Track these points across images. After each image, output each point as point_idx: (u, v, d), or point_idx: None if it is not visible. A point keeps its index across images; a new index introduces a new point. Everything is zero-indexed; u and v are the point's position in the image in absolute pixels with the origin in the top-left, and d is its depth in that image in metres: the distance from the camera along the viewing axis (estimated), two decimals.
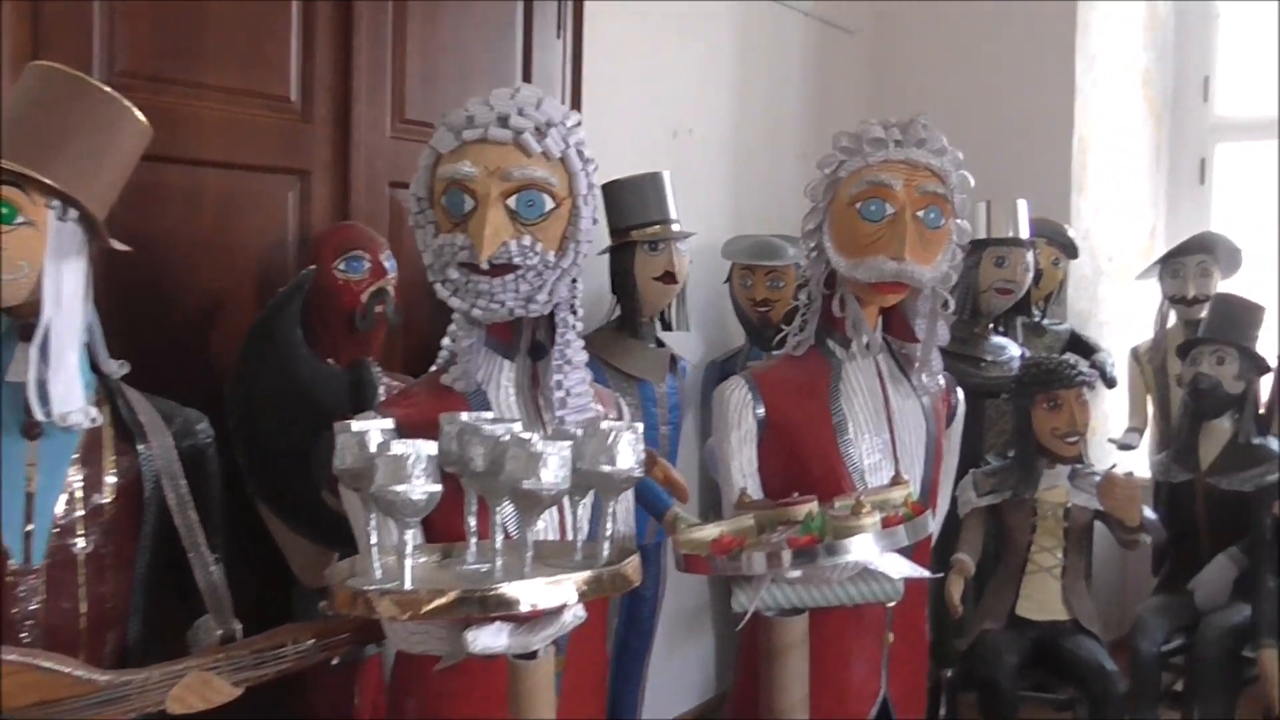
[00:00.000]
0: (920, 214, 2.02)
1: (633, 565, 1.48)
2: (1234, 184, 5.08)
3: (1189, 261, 4.34)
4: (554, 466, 1.38)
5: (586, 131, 3.42)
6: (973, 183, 2.10)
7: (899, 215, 2.01)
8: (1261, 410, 4.22)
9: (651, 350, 3.32)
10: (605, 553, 1.50)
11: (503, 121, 1.64)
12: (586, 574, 1.42)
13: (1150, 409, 4.55)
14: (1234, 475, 3.68)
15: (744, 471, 2.08)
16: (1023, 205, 4.01)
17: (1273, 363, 4.25)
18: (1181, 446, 3.84)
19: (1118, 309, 4.97)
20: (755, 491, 2.07)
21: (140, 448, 1.77)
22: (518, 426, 1.47)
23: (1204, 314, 4.05)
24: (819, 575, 1.81)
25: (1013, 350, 4.06)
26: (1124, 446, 4.47)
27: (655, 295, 3.27)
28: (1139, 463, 4.75)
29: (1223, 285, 4.35)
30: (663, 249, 3.24)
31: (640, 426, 1.51)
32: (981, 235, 4.00)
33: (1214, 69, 5.06)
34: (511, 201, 1.65)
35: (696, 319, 3.92)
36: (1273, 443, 3.79)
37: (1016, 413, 3.50)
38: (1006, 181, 4.40)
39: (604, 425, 1.47)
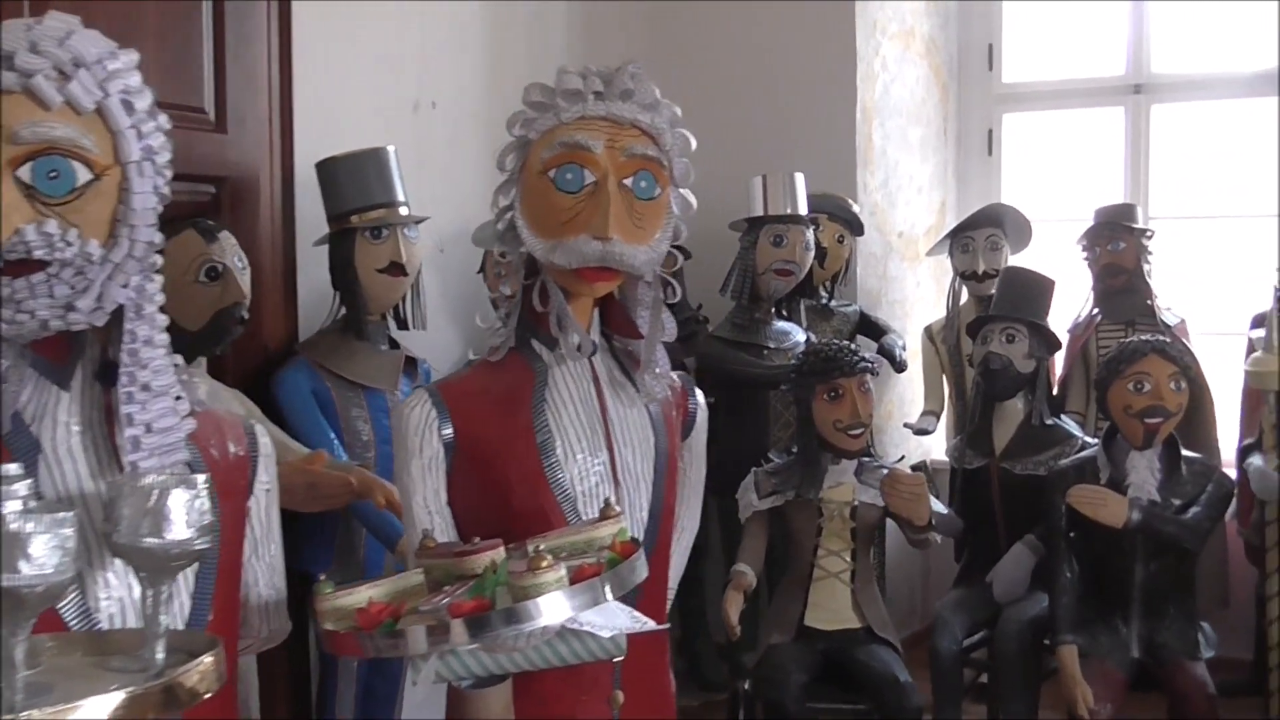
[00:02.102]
0: (628, 182, 1.64)
1: (201, 670, 1.07)
2: (1022, 154, 4.93)
3: (978, 236, 4.15)
4: (42, 550, 0.95)
5: (304, 103, 3.04)
6: (693, 143, 1.74)
7: (601, 184, 1.63)
8: (1055, 389, 4.09)
9: (382, 353, 2.90)
10: (159, 656, 1.07)
11: (8, 62, 1.18)
12: (120, 695, 1.00)
13: (947, 390, 4.35)
14: (1027, 459, 3.49)
15: (429, 508, 1.67)
16: (800, 179, 3.73)
17: (1065, 339, 4.13)
18: (975, 430, 3.64)
19: (909, 287, 4.75)
20: (446, 533, 1.67)
21: None
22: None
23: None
24: (506, 643, 1.43)
25: (798, 335, 3.78)
26: (920, 431, 4.25)
27: (382, 289, 2.84)
28: (938, 447, 4.57)
29: (1014, 259, 4.17)
30: (387, 236, 2.81)
31: (201, 479, 1.09)
32: (758, 213, 3.71)
33: (998, 37, 4.90)
34: (25, 172, 1.18)
35: (451, 314, 3.51)
36: (1067, 423, 3.60)
37: (797, 405, 3.21)
38: (787, 155, 4.13)
39: (147, 481, 1.05)
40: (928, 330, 4.39)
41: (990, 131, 4.92)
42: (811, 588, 3.16)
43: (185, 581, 1.31)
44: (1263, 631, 3.43)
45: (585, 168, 1.63)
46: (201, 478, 1.11)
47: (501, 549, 1.46)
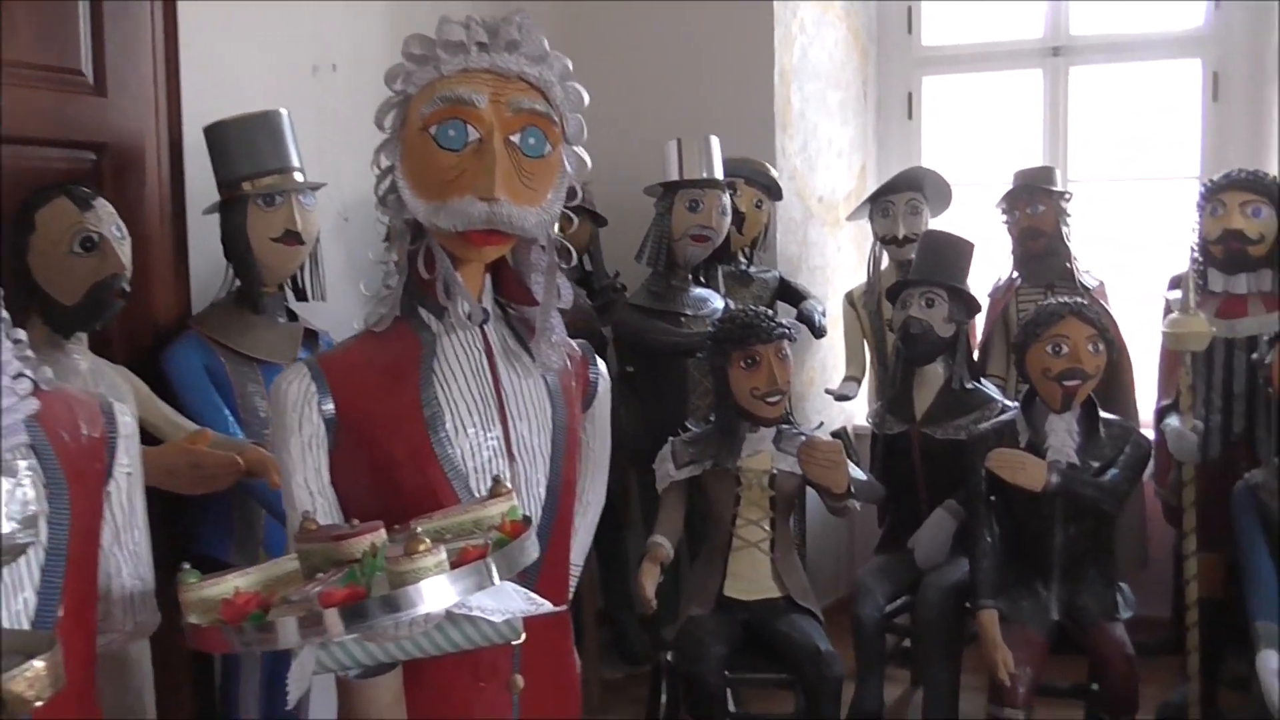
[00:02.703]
0: (515, 138, 1.55)
1: (30, 676, 0.96)
2: (942, 118, 4.89)
3: (898, 200, 4.10)
4: None
5: (192, 65, 2.88)
6: (586, 98, 1.64)
7: (486, 141, 1.53)
8: (975, 353, 4.06)
9: (279, 326, 2.77)
10: None
11: None
12: None
13: (868, 356, 4.31)
14: (948, 423, 3.46)
15: (310, 488, 1.57)
16: (715, 143, 3.65)
17: (985, 302, 4.10)
18: (895, 395, 3.60)
19: (830, 252, 4.70)
20: (329, 515, 1.57)
21: None
22: None
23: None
24: (387, 632, 1.34)
25: (716, 302, 3.71)
26: (841, 397, 4.21)
27: (277, 259, 2.71)
28: (860, 413, 4.53)
29: (934, 223, 4.13)
30: (281, 203, 2.68)
31: (23, 465, 0.99)
32: (673, 177, 3.62)
33: None
34: None
35: (357, 285, 3.37)
36: (987, 387, 3.58)
37: (713, 374, 3.14)
38: (704, 119, 4.04)
39: None
40: (848, 296, 4.34)
41: (910, 95, 4.86)
42: (730, 558, 3.11)
43: (29, 575, 1.20)
44: (1181, 590, 3.44)
45: (469, 123, 1.53)
46: (24, 464, 1.00)
47: (382, 532, 1.36)
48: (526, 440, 1.66)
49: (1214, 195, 3.41)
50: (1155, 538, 3.91)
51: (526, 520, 1.42)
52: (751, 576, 3.10)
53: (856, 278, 4.55)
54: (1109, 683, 3.02)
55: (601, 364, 1.87)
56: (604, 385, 1.87)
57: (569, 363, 1.76)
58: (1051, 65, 4.63)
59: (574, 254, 1.71)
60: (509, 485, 1.48)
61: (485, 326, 1.67)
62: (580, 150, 1.67)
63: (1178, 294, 3.35)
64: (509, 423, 1.65)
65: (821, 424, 3.55)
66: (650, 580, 2.93)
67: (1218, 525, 3.22)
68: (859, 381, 4.28)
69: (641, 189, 3.81)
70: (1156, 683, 3.79)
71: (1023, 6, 4.68)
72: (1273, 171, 3.50)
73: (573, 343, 1.79)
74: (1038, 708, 3.02)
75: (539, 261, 1.67)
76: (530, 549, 1.37)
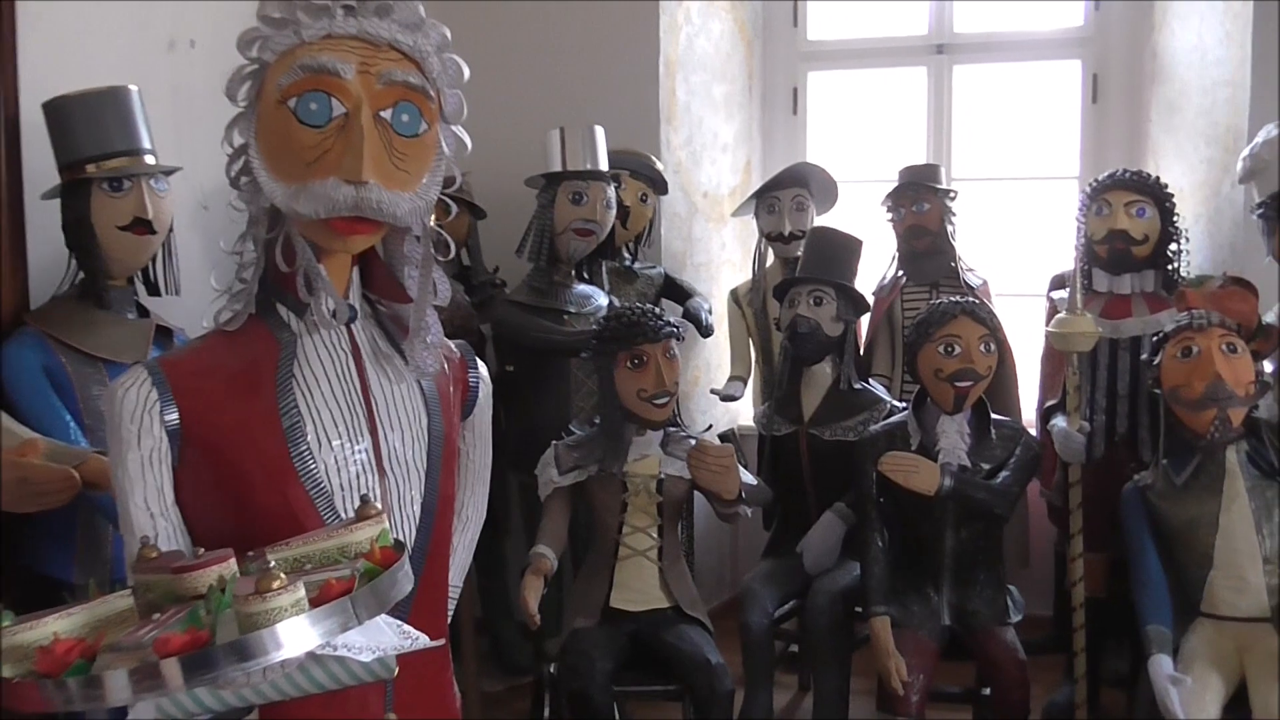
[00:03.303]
0: (385, 114, 1.38)
1: None
2: (828, 113, 4.83)
3: (784, 196, 4.03)
4: None
5: (32, 36, 2.62)
6: (466, 71, 1.49)
7: (352, 117, 1.36)
8: (862, 352, 4.01)
9: (128, 323, 2.54)
10: None
11: None
12: None
13: (753, 355, 4.22)
14: (836, 424, 3.39)
15: (150, 509, 1.38)
16: (600, 133, 3.51)
17: (872, 300, 4.05)
18: (782, 395, 3.51)
19: (715, 249, 4.60)
20: (172, 540, 1.38)
21: None
22: None
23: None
24: (237, 681, 1.17)
25: (600, 299, 3.58)
26: (727, 397, 4.11)
27: (124, 250, 2.48)
28: (746, 413, 4.45)
29: (820, 220, 4.07)
30: (129, 189, 2.46)
31: None
32: (556, 168, 3.47)
33: None
34: None
35: (219, 279, 3.15)
36: (875, 387, 3.52)
37: (598, 374, 3.00)
38: (588, 109, 3.90)
39: None
40: (733, 293, 4.25)
41: (795, 90, 4.80)
42: (617, 567, 2.98)
43: None
44: (1063, 590, 3.43)
45: (333, 96, 1.36)
46: None
47: (232, 562, 1.19)
48: (399, 453, 1.50)
49: (1099, 195, 3.40)
50: (1037, 537, 3.90)
51: (399, 546, 1.26)
52: (639, 586, 2.97)
53: (741, 275, 4.47)
54: (1000, 688, 2.97)
55: (482, 367, 1.71)
56: (485, 390, 1.71)
57: (446, 366, 1.60)
58: (936, 63, 4.61)
59: (452, 246, 1.55)
60: (379, 505, 1.32)
61: (352, 326, 1.50)
62: (459, 130, 1.51)
63: (1062, 294, 3.33)
64: (379, 434, 1.49)
65: (710, 426, 3.46)
66: (534, 594, 2.78)
67: (1100, 525, 3.22)
68: (744, 381, 4.19)
69: (522, 180, 3.65)
70: (1040, 682, 3.78)
71: (908, 4, 4.65)
72: (1151, 172, 3.51)
73: (450, 344, 1.63)
74: (928, 712, 2.96)
75: (413, 254, 1.50)
76: (403, 580, 1.21)
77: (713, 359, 4.52)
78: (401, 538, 1.48)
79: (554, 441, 3.06)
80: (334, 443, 1.44)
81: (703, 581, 4.45)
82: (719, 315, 4.36)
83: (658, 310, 2.98)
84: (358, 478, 1.45)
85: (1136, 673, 2.93)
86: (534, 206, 3.53)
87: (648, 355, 2.89)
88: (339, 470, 1.44)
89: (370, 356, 1.51)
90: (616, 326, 2.93)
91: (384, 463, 1.48)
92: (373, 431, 1.48)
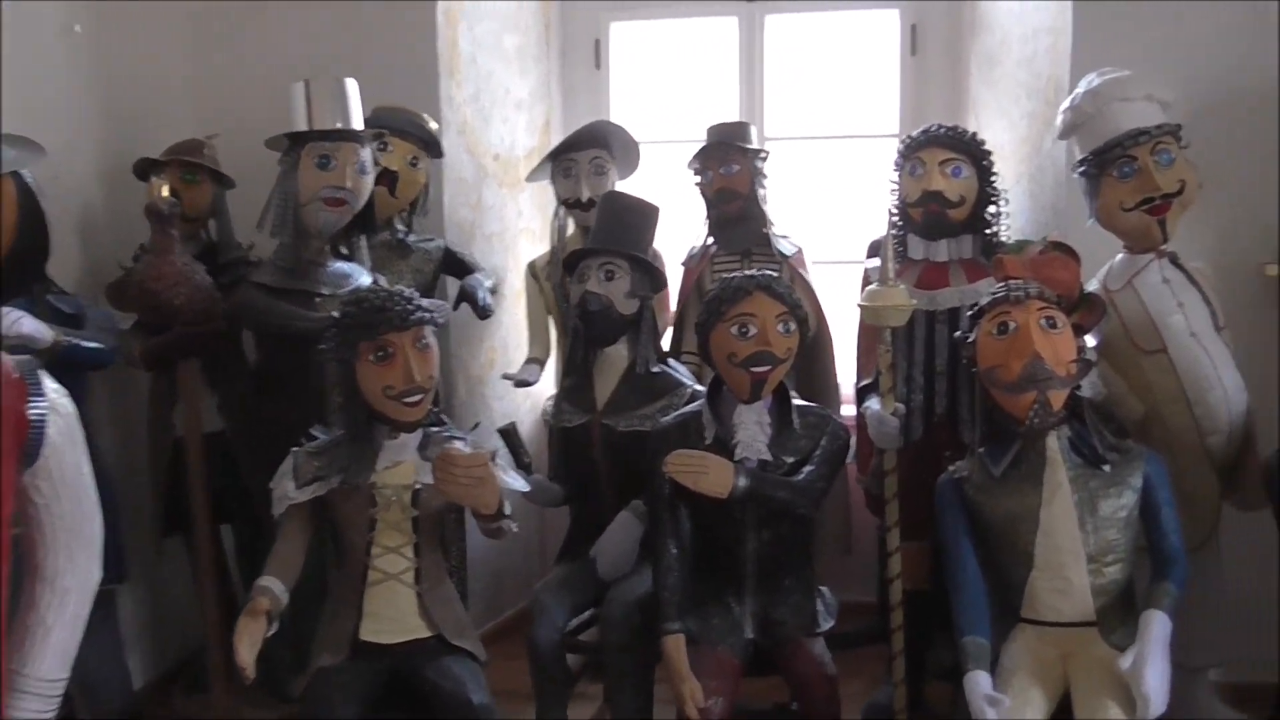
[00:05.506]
0: None
1: None
2: (633, 68, 4.44)
3: (581, 159, 3.65)
4: None
5: None
6: None
7: None
8: (670, 330, 3.66)
9: None
10: None
11: None
12: None
13: (554, 335, 3.83)
14: (632, 413, 3.04)
15: None
16: (352, 86, 3.05)
17: (680, 273, 3.69)
18: (573, 382, 3.14)
19: (510, 217, 4.18)
20: None
21: None
22: None
23: None
24: None
25: (361, 279, 3.14)
26: (521, 382, 3.71)
27: None
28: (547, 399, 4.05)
29: (623, 184, 3.69)
30: None
31: None
32: (300, 128, 3.00)
33: None
34: None
35: None
36: (676, 369, 3.16)
37: (340, 368, 2.56)
38: (354, 61, 3.42)
39: None
40: (531, 266, 3.85)
41: (597, 42, 4.39)
42: (366, 594, 2.55)
43: None
44: (885, 578, 3.15)
45: None
46: None
47: None
48: None
49: (912, 153, 3.10)
50: (859, 522, 3.62)
51: None
52: (392, 615, 2.55)
53: (541, 246, 4.07)
54: (808, 704, 2.67)
55: (55, 392, 1.26)
56: (61, 423, 1.26)
57: None
58: (747, 11, 4.26)
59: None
60: None
61: None
62: None
63: (877, 262, 3.02)
64: None
65: (478, 424, 3.05)
66: (248, 639, 2.32)
67: (921, 512, 2.92)
68: (542, 364, 3.80)
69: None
70: (863, 675, 3.55)
71: None
72: (971, 129, 3.22)
73: (7, 360, 1.18)
74: None
75: None
76: None
77: (510, 339, 4.11)
78: None
79: (293, 449, 2.61)
80: None
81: (504, 583, 4.07)
82: (517, 291, 3.96)
83: (407, 292, 2.55)
84: None
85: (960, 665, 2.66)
86: None
87: (394, 346, 2.47)
88: None
89: None
90: (357, 313, 2.49)
91: None
92: None
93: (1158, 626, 2.34)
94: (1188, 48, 3.23)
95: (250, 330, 3.17)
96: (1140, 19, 3.25)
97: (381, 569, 2.54)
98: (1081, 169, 2.94)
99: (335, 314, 2.61)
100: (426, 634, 2.57)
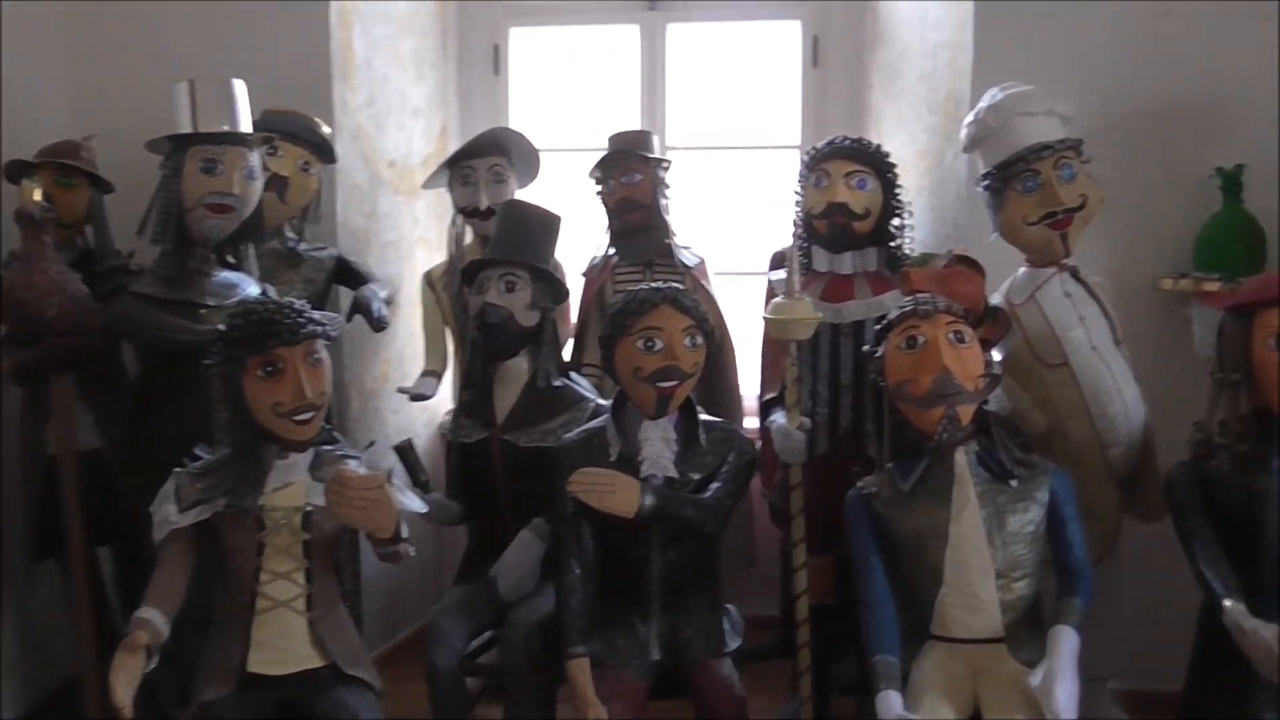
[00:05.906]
0: None
1: None
2: (533, 75, 4.36)
3: (480, 166, 3.56)
4: None
5: None
6: None
7: None
8: (568, 343, 3.58)
9: None
10: None
11: None
12: None
13: (451, 347, 3.72)
14: (533, 428, 2.97)
15: None
16: (240, 87, 2.92)
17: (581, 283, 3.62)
18: (472, 396, 3.04)
19: (406, 225, 4.06)
20: None
21: None
22: None
23: None
24: None
25: (249, 289, 3.01)
26: (418, 396, 3.59)
27: None
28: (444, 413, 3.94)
29: (522, 193, 3.60)
30: None
31: None
32: (184, 130, 2.86)
33: None
34: None
35: None
36: (579, 383, 3.08)
37: (225, 384, 2.43)
38: (244, 64, 3.26)
39: None
40: (427, 276, 3.74)
41: (496, 47, 4.30)
42: (254, 622, 2.42)
43: None
44: (790, 592, 3.11)
45: None
46: None
47: None
48: None
49: (817, 165, 3.08)
50: (763, 535, 3.58)
51: None
52: (283, 644, 2.43)
53: (438, 255, 3.97)
54: None
55: None
56: None
57: None
58: (648, 20, 4.22)
59: None
60: None
61: None
62: None
63: (781, 275, 2.99)
64: None
65: (373, 442, 2.93)
66: (124, 676, 2.17)
67: (827, 527, 2.88)
68: (439, 377, 3.69)
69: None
70: (767, 692, 3.50)
71: None
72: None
73: None
74: None
75: None
76: None
77: (406, 350, 3.99)
78: None
79: (175, 469, 2.47)
80: None
81: (403, 601, 3.95)
82: (412, 301, 3.84)
83: (298, 304, 2.43)
84: None
85: (867, 679, 2.62)
86: None
87: (284, 361, 2.35)
88: None
89: None
90: (244, 325, 2.36)
91: None
92: None
93: (1066, 642, 2.34)
94: (1086, 64, 3.27)
95: (130, 343, 3.01)
96: (1040, 35, 3.28)
97: (271, 596, 2.41)
98: (985, 183, 2.94)
99: (221, 326, 2.47)
100: (319, 663, 2.45)
